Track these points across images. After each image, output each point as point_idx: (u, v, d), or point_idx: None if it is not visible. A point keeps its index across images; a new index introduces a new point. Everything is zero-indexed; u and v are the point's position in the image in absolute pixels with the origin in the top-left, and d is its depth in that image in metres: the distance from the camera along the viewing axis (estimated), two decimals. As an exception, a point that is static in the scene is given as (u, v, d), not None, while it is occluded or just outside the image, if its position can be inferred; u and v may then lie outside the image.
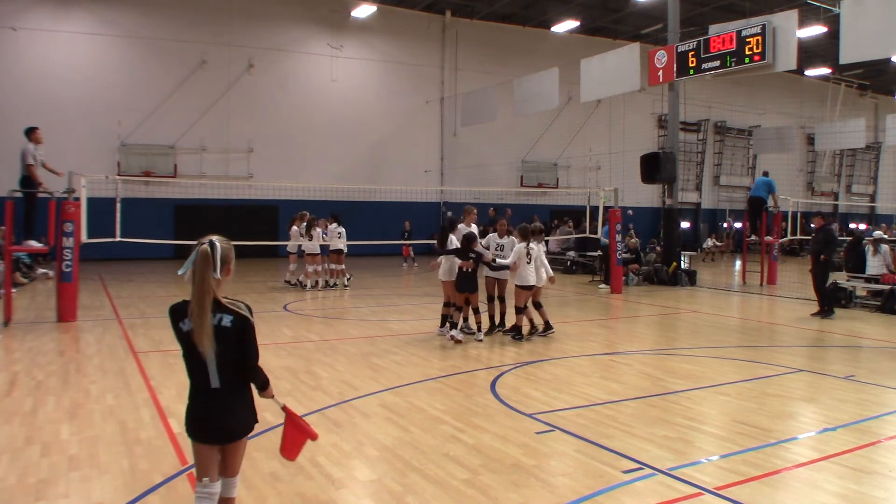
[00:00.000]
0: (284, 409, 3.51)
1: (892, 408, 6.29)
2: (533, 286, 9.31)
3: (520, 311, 9.38)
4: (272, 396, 3.41)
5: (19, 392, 6.47)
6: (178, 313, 3.11)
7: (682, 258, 18.62)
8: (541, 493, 4.23)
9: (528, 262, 9.20)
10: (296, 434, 3.52)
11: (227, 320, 3.07)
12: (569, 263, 20.70)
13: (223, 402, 3.13)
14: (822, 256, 11.80)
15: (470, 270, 9.12)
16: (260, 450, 4.94)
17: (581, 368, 7.79)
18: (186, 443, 5.04)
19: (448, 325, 9.35)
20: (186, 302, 3.08)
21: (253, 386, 3.28)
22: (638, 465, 4.66)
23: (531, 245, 9.24)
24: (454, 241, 9.56)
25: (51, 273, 15.49)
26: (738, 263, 24.58)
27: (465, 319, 9.76)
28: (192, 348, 3.05)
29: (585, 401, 6.35)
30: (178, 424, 5.51)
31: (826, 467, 4.70)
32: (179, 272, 3.14)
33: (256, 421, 3.28)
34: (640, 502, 4.10)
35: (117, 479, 4.38)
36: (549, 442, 5.20)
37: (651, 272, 17.81)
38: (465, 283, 9.14)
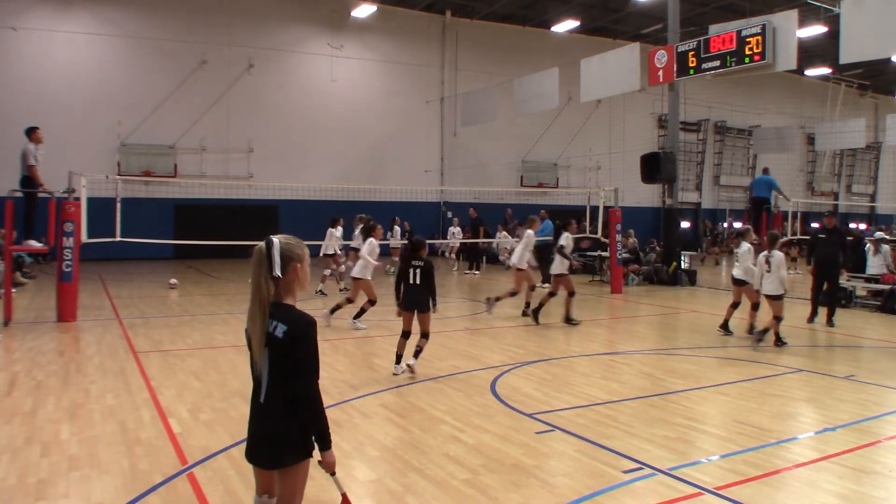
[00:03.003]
0: (344, 498, 3.02)
1: (892, 408, 6.29)
2: (782, 295, 9.19)
3: (780, 319, 9.14)
4: (332, 467, 2.83)
5: (19, 392, 6.47)
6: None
7: (682, 258, 18.61)
8: (541, 493, 4.23)
9: (768, 271, 9.09)
10: None
11: (280, 329, 2.73)
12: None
13: (270, 422, 2.75)
14: (842, 263, 11.34)
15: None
16: (260, 450, 4.94)
17: (581, 368, 7.79)
18: (186, 443, 5.05)
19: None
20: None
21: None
22: (638, 465, 4.66)
23: (773, 252, 9.18)
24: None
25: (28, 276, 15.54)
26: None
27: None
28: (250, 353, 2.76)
29: (585, 401, 6.35)
30: (179, 424, 5.51)
31: (826, 467, 4.70)
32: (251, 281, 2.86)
33: (309, 450, 2.78)
34: (640, 502, 4.10)
35: (117, 479, 4.38)
36: (549, 442, 5.20)
37: (651, 272, 17.81)
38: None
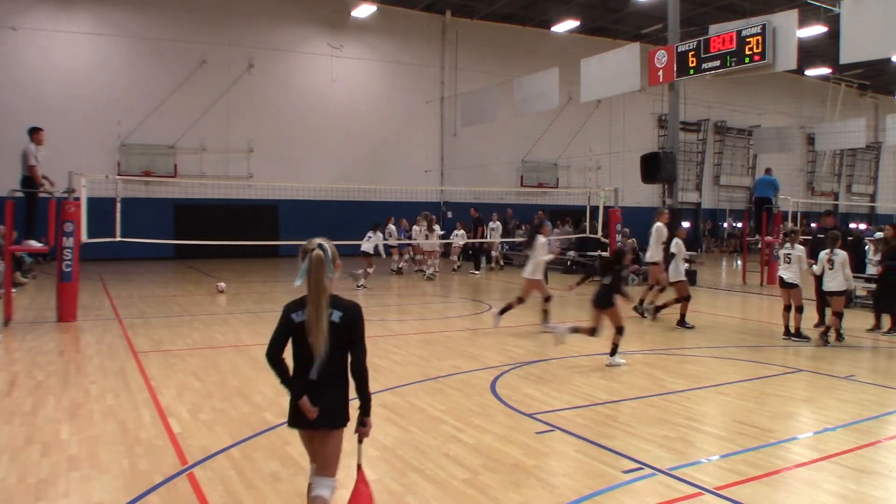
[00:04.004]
0: (359, 469, 3.41)
1: (892, 408, 6.30)
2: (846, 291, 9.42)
3: (838, 315, 9.36)
4: (369, 433, 3.36)
5: (19, 392, 6.47)
6: (291, 306, 3.28)
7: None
8: (541, 493, 4.23)
9: (831, 269, 9.25)
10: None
11: (336, 315, 3.21)
12: (569, 263, 20.69)
13: (317, 393, 3.21)
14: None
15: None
16: (260, 450, 4.95)
17: (581, 368, 7.79)
18: (186, 443, 5.05)
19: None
20: (303, 298, 3.21)
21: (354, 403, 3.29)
22: (638, 465, 4.66)
23: (835, 251, 9.33)
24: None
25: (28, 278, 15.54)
26: (738, 263, 24.57)
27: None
28: (301, 339, 3.19)
29: (585, 401, 6.35)
30: (179, 424, 5.51)
31: (826, 467, 4.71)
32: (296, 283, 3.22)
33: (347, 420, 3.29)
34: (640, 502, 4.10)
35: (117, 479, 4.38)
36: (549, 442, 5.20)
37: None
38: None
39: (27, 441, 5.09)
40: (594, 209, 17.73)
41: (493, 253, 21.31)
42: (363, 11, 25.58)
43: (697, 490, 4.25)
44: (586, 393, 6.63)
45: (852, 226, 32.62)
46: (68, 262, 10.62)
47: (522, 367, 7.79)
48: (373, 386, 7.12)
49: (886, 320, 10.46)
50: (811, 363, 8.29)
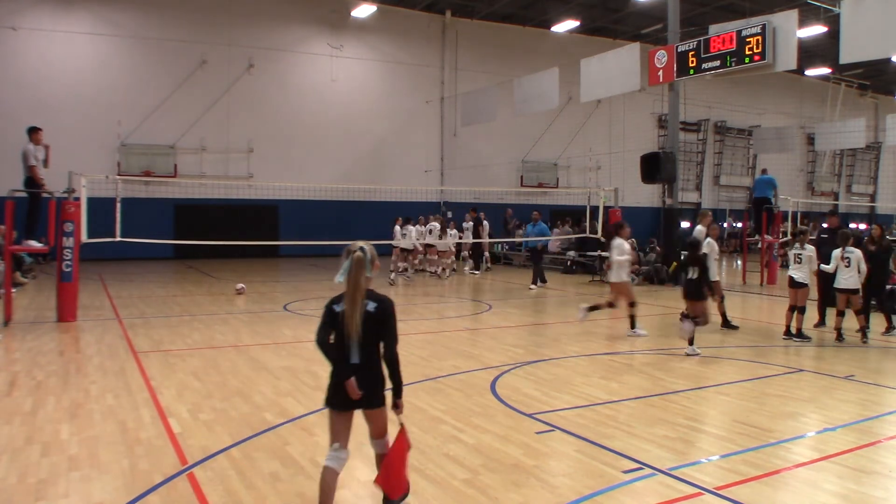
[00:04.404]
0: (402, 428, 3.73)
1: (892, 408, 6.30)
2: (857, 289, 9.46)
3: (861, 313, 9.50)
4: (402, 409, 3.72)
5: (19, 392, 6.47)
6: (333, 300, 3.71)
7: (683, 258, 18.59)
8: (541, 493, 4.23)
9: (847, 266, 9.35)
10: (396, 459, 3.67)
11: (371, 306, 3.62)
12: (569, 263, 20.70)
13: (362, 375, 3.60)
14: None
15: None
16: (260, 450, 4.95)
17: (581, 368, 7.79)
18: (186, 443, 5.05)
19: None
20: (343, 293, 3.64)
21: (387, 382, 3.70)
22: (638, 465, 4.66)
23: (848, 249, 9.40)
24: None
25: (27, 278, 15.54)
26: (738, 263, 24.57)
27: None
28: (341, 329, 3.60)
29: (585, 401, 6.35)
30: (179, 424, 5.51)
31: (826, 467, 4.70)
32: (337, 280, 3.61)
33: (383, 401, 3.68)
34: (640, 502, 4.10)
35: (117, 479, 4.38)
36: (549, 442, 5.20)
37: (651, 272, 17.81)
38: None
39: (27, 441, 5.09)
40: (594, 209, 17.73)
41: (464, 253, 21.11)
42: (363, 11, 25.58)
43: (697, 490, 4.25)
44: (586, 393, 6.63)
45: (852, 226, 32.63)
46: (68, 262, 10.62)
47: (522, 367, 7.79)
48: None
49: (879, 319, 10.47)
50: (811, 363, 8.29)
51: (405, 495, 3.80)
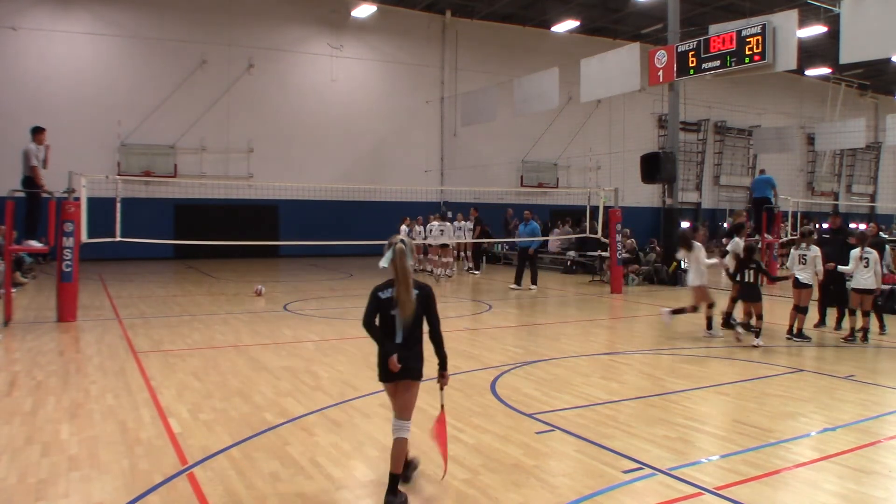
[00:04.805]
0: (442, 408, 4.36)
1: (892, 408, 6.30)
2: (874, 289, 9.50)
3: (868, 314, 9.55)
4: (447, 381, 4.31)
5: (19, 392, 6.47)
6: (379, 287, 4.13)
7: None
8: (541, 493, 4.23)
9: (866, 266, 9.35)
10: (442, 431, 4.33)
11: (414, 293, 4.07)
12: (569, 263, 20.70)
13: (408, 352, 4.13)
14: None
15: None
16: (260, 450, 4.95)
17: (581, 368, 7.79)
18: (186, 443, 5.06)
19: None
20: (388, 281, 4.10)
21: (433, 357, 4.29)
22: (638, 465, 4.66)
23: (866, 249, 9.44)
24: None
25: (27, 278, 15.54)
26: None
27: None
28: (386, 312, 4.09)
29: (585, 401, 6.35)
30: (179, 424, 5.51)
31: (826, 467, 4.71)
32: (382, 265, 4.06)
33: (422, 376, 4.23)
34: (640, 502, 4.10)
35: (117, 479, 4.38)
36: (549, 442, 5.20)
37: (651, 272, 17.81)
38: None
39: (27, 441, 5.09)
40: (594, 209, 17.72)
41: (463, 253, 20.94)
42: (363, 11, 25.58)
43: (697, 490, 4.25)
44: (586, 393, 6.63)
45: (852, 226, 32.62)
46: (68, 262, 10.62)
47: (522, 367, 7.79)
48: (372, 386, 7.15)
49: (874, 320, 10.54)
50: (811, 363, 8.29)
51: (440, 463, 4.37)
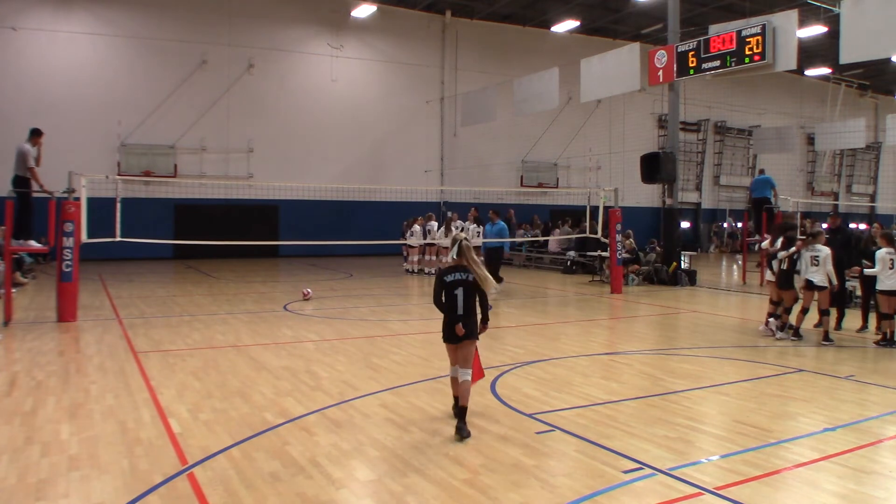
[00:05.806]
0: (476, 351, 5.62)
1: (892, 408, 6.29)
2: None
3: (886, 317, 9.38)
4: (485, 330, 5.75)
5: (19, 392, 6.47)
6: (444, 271, 5.47)
7: (682, 258, 18.61)
8: (541, 493, 4.23)
9: (892, 268, 9.17)
10: (478, 365, 5.72)
11: (470, 277, 5.38)
12: (569, 263, 20.70)
13: (466, 319, 5.40)
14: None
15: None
16: (260, 450, 4.95)
17: (581, 368, 7.79)
18: (186, 443, 5.06)
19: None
20: (451, 267, 5.46)
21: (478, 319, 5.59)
22: (638, 465, 4.66)
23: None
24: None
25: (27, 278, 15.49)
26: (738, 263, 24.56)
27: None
28: (451, 291, 5.38)
29: (585, 401, 6.34)
30: (179, 424, 5.51)
31: (826, 467, 4.70)
32: (452, 256, 5.43)
33: (477, 336, 5.55)
34: (640, 502, 4.10)
35: (117, 479, 4.38)
36: (549, 442, 5.20)
37: (651, 272, 17.81)
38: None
39: (27, 441, 5.09)
40: (594, 209, 17.72)
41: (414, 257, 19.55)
42: (363, 11, 25.59)
43: (697, 490, 4.25)
44: (586, 393, 6.63)
45: (852, 226, 32.63)
46: (68, 262, 10.61)
47: (522, 367, 7.79)
48: (372, 386, 7.14)
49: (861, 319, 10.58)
50: (811, 363, 8.29)
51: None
